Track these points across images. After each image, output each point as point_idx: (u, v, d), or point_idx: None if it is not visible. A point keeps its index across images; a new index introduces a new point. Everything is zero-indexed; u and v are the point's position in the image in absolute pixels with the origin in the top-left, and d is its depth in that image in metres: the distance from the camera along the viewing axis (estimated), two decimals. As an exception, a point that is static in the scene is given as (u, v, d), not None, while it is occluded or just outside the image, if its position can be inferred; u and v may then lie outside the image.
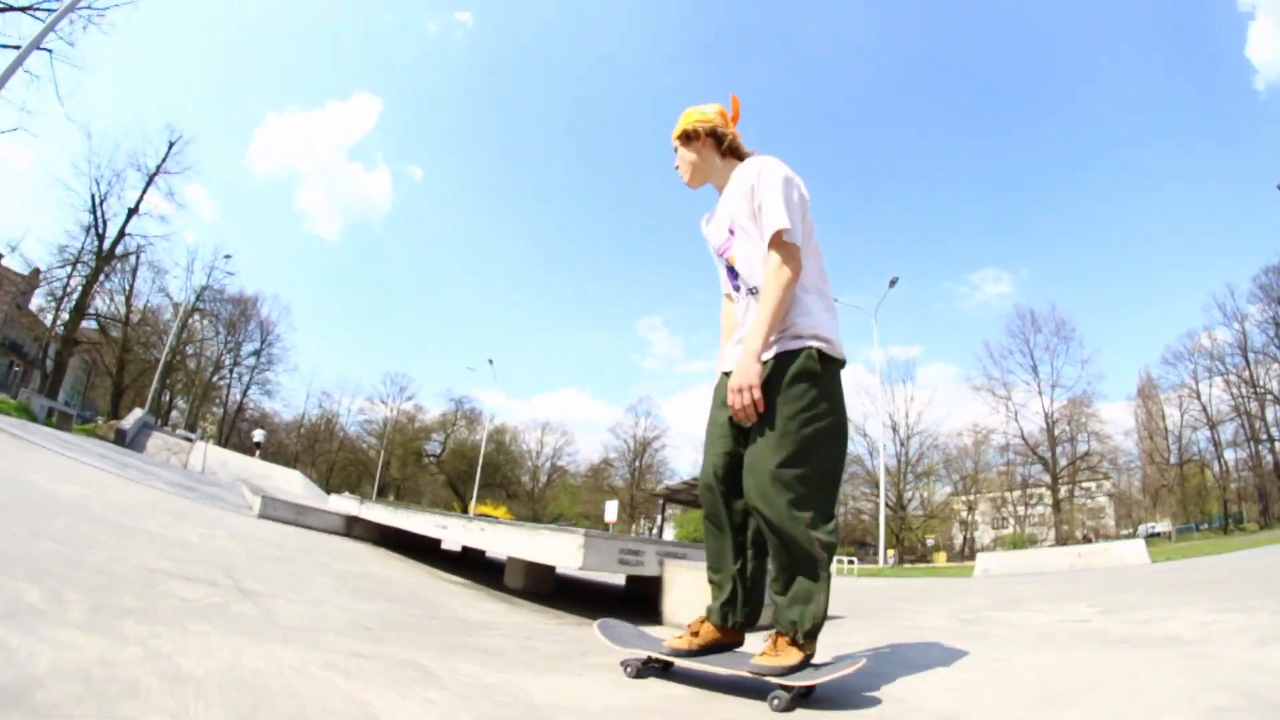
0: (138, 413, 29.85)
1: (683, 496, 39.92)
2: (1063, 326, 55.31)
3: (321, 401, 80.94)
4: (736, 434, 2.57)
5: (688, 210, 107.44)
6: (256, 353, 73.07)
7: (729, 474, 2.58)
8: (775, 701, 2.20)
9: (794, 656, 2.31)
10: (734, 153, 2.84)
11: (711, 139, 2.82)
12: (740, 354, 2.47)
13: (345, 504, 11.96)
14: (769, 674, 2.27)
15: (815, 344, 2.45)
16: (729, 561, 2.62)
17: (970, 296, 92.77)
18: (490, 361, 58.02)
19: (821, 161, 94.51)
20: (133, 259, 47.85)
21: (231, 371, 72.22)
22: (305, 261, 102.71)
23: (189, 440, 29.52)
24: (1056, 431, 53.31)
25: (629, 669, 2.65)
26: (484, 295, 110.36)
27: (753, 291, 2.64)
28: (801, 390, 2.40)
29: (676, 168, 2.92)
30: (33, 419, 17.19)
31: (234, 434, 67.87)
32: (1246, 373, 48.39)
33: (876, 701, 2.35)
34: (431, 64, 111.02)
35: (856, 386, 52.73)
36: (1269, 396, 47.23)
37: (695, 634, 2.63)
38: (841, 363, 2.56)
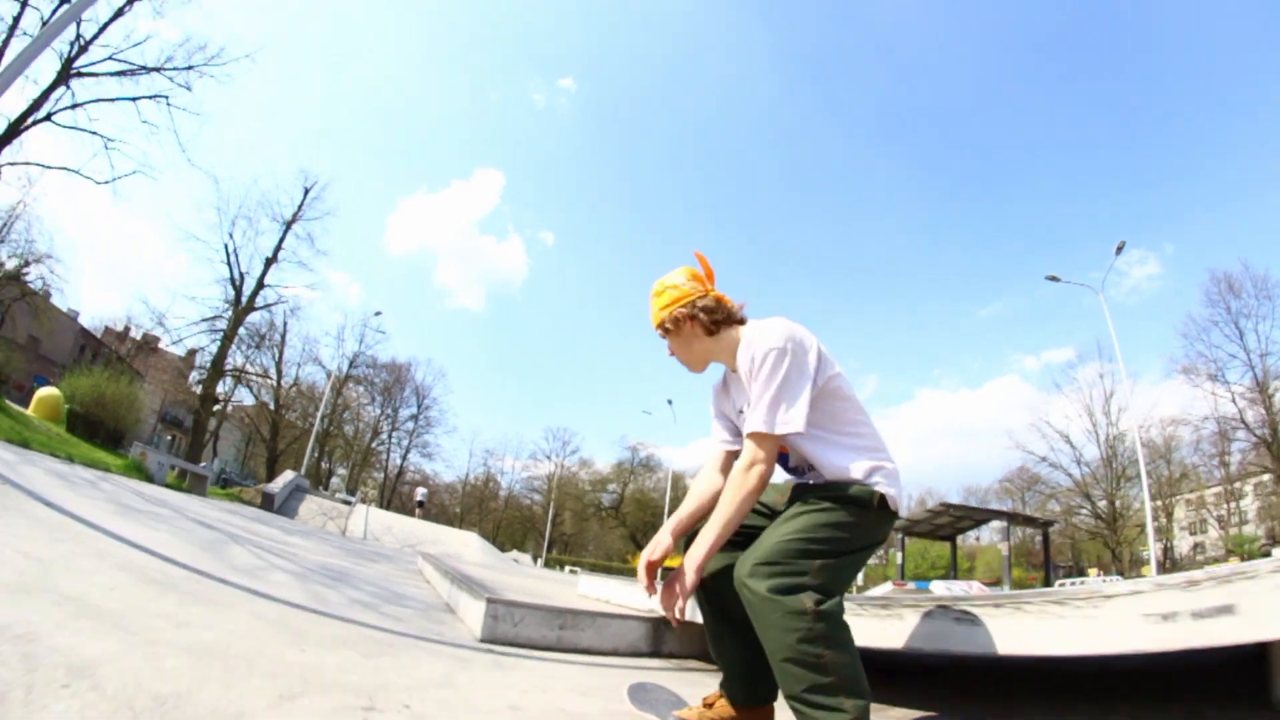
0: (289, 474, 25.48)
1: (921, 529, 37.10)
2: (1263, 285, 44.26)
3: (485, 460, 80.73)
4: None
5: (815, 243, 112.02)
6: (414, 416, 73.09)
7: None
8: None
9: None
10: (728, 323, 2.43)
11: (694, 322, 2.42)
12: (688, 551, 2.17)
13: (630, 593, 6.35)
14: None
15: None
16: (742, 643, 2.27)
17: (1118, 283, 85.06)
18: (670, 402, 53.11)
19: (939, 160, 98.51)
20: (278, 317, 46.37)
21: (390, 436, 72.34)
22: (454, 332, 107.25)
23: (348, 503, 24.64)
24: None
25: None
26: (627, 345, 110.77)
27: (793, 471, 2.47)
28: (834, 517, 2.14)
29: (671, 355, 2.54)
30: (145, 478, 12.26)
31: (395, 498, 67.71)
32: None
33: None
34: (544, 132, 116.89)
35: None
36: None
37: (709, 706, 2.41)
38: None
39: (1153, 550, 28.97)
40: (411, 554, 14.98)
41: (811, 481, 2.35)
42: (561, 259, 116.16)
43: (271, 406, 49.83)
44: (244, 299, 39.23)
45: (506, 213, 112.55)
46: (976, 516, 36.14)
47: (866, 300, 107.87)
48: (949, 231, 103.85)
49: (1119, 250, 29.89)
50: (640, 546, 63.38)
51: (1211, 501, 51.28)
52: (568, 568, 59.33)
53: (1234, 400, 44.36)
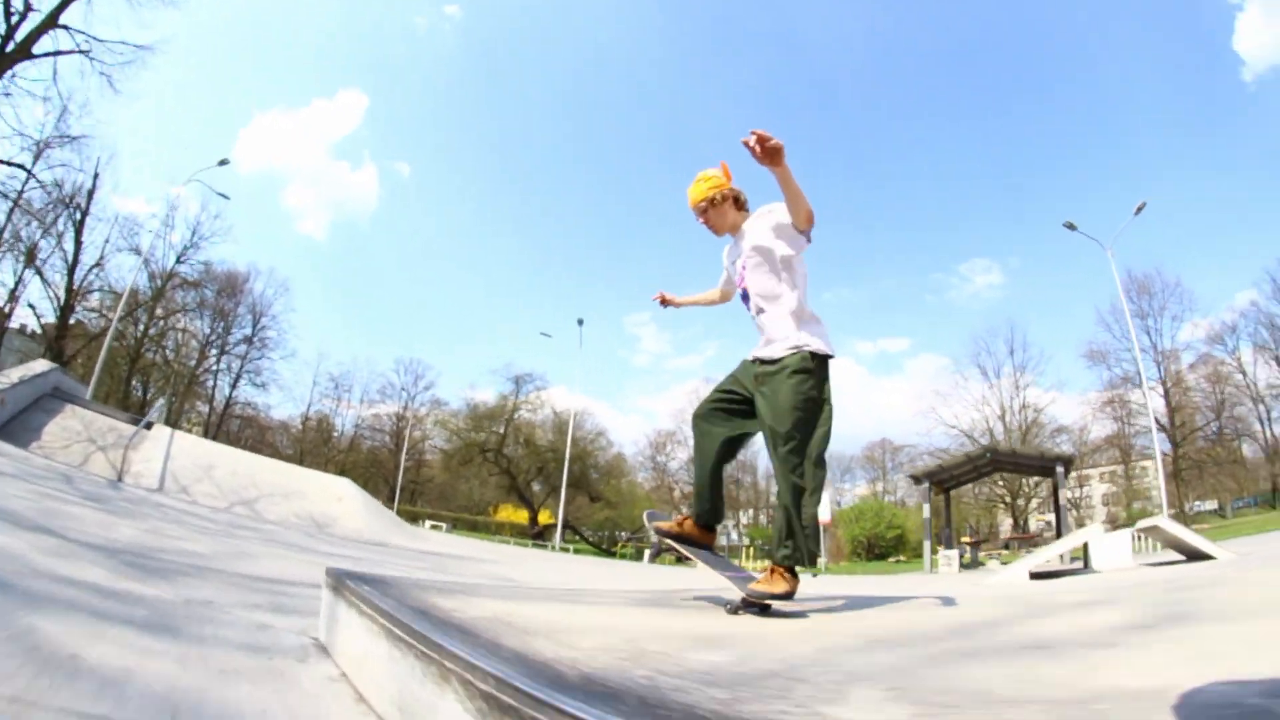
0: (37, 366, 15.35)
1: (958, 473, 31.71)
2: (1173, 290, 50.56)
3: (332, 390, 69.57)
4: (737, 399, 3.56)
5: (675, 204, 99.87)
6: (249, 338, 62.14)
7: (719, 414, 3.60)
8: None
9: (781, 586, 3.07)
10: (743, 205, 3.71)
11: (730, 200, 3.65)
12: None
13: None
14: (762, 598, 3.06)
15: (808, 348, 3.30)
16: (708, 481, 3.63)
17: (961, 288, 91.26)
18: (580, 322, 44.48)
19: (814, 147, 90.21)
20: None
21: (219, 360, 61.11)
22: (297, 260, 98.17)
23: (139, 425, 14.82)
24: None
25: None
26: (473, 289, 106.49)
27: (760, 311, 3.53)
28: (799, 380, 3.23)
29: (704, 223, 3.72)
30: None
31: (221, 436, 56.14)
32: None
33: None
34: (420, 58, 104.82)
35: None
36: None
37: (680, 525, 3.76)
38: (829, 357, 3.39)
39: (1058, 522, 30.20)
40: (253, 529, 8.90)
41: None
42: (417, 194, 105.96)
43: (62, 291, 38.56)
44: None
45: (365, 138, 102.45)
46: (1030, 461, 30.01)
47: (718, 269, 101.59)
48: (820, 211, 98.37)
49: (1138, 210, 30.13)
50: (525, 500, 56.78)
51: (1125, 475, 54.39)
52: (428, 523, 51.05)
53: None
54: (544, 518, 62.32)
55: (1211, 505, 47.98)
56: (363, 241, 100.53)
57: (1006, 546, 36.64)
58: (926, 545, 27.46)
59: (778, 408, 3.20)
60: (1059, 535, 25.01)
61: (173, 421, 50.34)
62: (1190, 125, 76.78)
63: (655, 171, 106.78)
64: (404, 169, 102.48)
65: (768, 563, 3.22)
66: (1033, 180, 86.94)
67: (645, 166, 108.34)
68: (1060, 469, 28.24)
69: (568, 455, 45.67)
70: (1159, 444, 31.02)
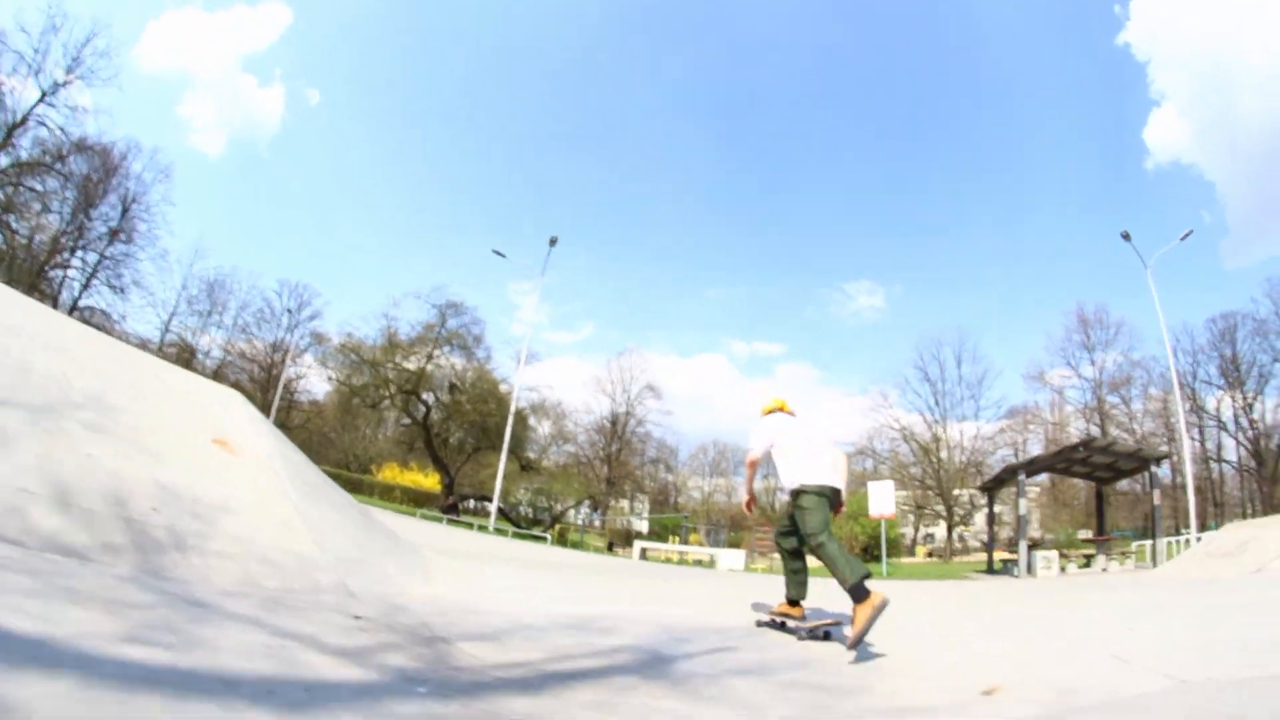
0: None
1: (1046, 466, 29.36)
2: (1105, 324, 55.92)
3: (199, 303, 56.85)
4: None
5: (578, 176, 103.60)
6: (115, 232, 49.62)
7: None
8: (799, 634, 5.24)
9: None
10: (782, 409, 6.08)
11: (775, 411, 6.04)
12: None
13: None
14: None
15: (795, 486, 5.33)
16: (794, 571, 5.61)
17: (844, 305, 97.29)
18: (553, 242, 35.17)
19: (730, 141, 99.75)
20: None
21: (72, 254, 48.96)
22: (189, 178, 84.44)
23: None
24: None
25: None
26: (375, 233, 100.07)
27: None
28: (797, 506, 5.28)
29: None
30: None
31: None
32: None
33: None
34: None
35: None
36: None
37: (780, 607, 5.60)
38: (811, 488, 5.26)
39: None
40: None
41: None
42: (321, 123, 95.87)
43: None
44: None
45: (280, 55, 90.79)
46: (1125, 457, 26.73)
47: (610, 245, 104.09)
48: (713, 204, 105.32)
49: (1184, 237, 33.77)
50: (437, 458, 45.28)
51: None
52: None
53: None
54: (430, 483, 52.84)
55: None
56: (259, 166, 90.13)
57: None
58: (1023, 546, 24.26)
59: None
60: (1153, 535, 24.89)
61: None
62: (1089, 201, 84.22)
63: (560, 148, 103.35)
64: (314, 95, 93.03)
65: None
66: (929, 218, 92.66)
67: (558, 107, 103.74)
68: (1155, 467, 27.07)
69: (514, 405, 35.95)
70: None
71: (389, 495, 52.43)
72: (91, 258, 49.13)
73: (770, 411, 6.04)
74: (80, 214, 47.87)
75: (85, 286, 48.97)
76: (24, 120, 41.39)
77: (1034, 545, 27.52)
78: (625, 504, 64.95)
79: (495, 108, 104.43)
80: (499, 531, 28.08)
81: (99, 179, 48.27)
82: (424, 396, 42.35)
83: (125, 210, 49.62)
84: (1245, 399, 51.46)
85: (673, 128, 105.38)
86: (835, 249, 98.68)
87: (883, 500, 26.19)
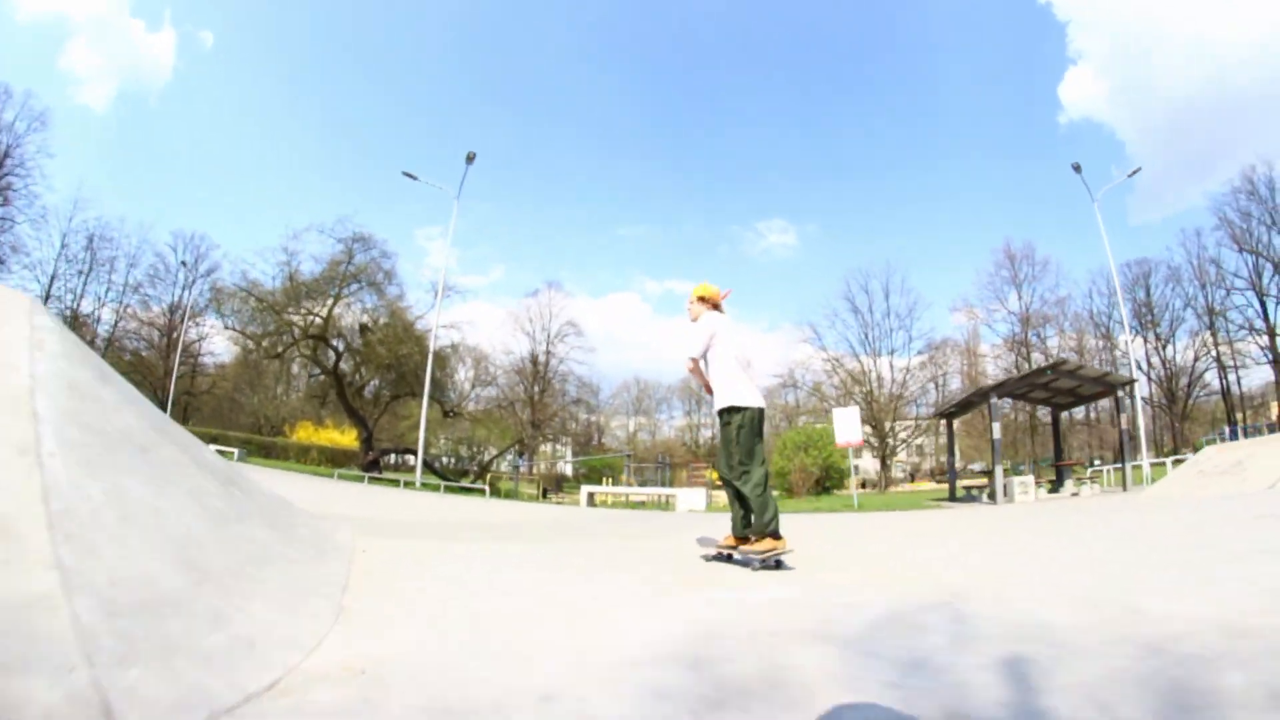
0: None
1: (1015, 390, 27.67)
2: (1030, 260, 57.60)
3: (79, 261, 52.11)
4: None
5: (493, 117, 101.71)
6: None
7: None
8: (754, 565, 4.92)
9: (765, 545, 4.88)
10: (714, 306, 5.75)
11: (706, 304, 5.74)
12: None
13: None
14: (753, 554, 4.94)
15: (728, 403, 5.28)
16: (736, 503, 5.37)
17: (755, 243, 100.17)
18: (471, 158, 32.11)
19: (652, 75, 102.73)
20: None
21: None
22: (72, 137, 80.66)
23: None
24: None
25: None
26: (277, 181, 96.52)
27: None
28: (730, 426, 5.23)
29: (689, 307, 5.87)
30: None
31: None
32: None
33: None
34: None
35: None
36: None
37: (726, 539, 5.48)
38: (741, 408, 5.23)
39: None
40: None
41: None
42: (215, 69, 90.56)
43: None
44: None
45: None
46: (1091, 381, 25.84)
47: (518, 189, 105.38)
48: (624, 145, 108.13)
49: (1132, 174, 37.93)
50: (353, 411, 40.56)
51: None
52: (211, 447, 36.71)
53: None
54: (348, 440, 48.85)
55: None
56: (149, 118, 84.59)
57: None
58: (998, 471, 23.55)
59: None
60: (1121, 461, 25.06)
61: None
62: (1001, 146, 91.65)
63: (467, 82, 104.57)
64: (208, 38, 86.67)
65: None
66: (847, 158, 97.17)
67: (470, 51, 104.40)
68: (1121, 392, 26.98)
69: (433, 344, 32.82)
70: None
71: (305, 457, 49.03)
72: None
73: (705, 301, 5.75)
74: None
75: None
76: None
77: (1064, 465, 26.93)
78: (549, 448, 62.98)
79: (398, 47, 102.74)
80: (429, 487, 25.43)
81: None
82: (333, 343, 38.21)
83: None
84: (1159, 340, 55.01)
85: (580, 68, 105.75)
86: (748, 188, 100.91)
87: (849, 428, 24.30)
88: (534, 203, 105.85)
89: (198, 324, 54.33)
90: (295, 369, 50.57)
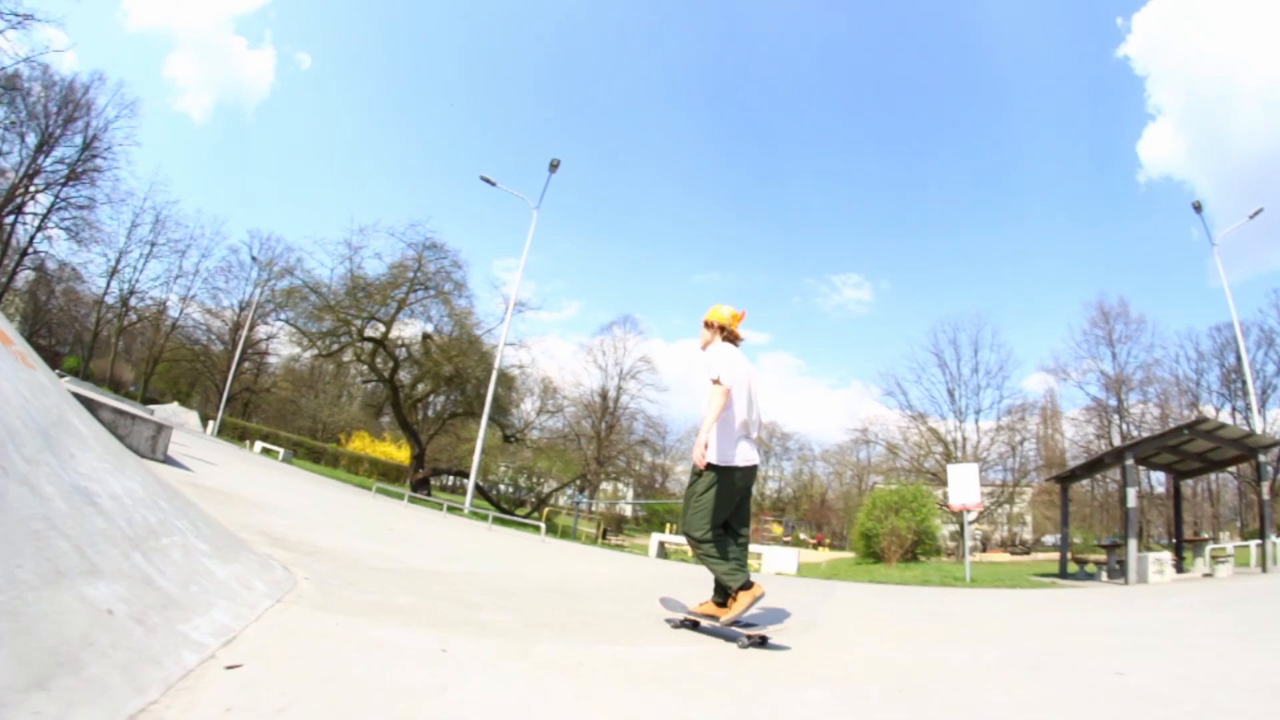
0: None
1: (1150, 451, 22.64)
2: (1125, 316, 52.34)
3: (151, 241, 52.64)
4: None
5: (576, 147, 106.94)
6: (73, 166, 45.69)
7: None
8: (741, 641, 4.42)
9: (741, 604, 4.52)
10: (731, 340, 5.22)
11: (721, 331, 5.20)
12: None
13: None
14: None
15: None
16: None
17: (829, 297, 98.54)
18: (554, 166, 29.40)
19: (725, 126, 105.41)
20: None
21: (26, 190, 44.58)
22: (169, 141, 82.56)
23: None
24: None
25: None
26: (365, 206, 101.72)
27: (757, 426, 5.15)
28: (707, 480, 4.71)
29: (702, 331, 5.30)
30: None
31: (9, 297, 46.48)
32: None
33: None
34: None
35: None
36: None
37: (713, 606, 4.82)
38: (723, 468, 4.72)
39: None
40: None
41: None
42: (311, 89, 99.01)
43: None
44: None
45: (271, 17, 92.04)
46: (1229, 444, 21.92)
47: (600, 224, 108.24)
48: (702, 190, 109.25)
49: (1254, 215, 33.36)
50: (407, 425, 36.93)
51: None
52: (258, 444, 38.27)
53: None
54: (403, 456, 47.56)
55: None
56: (244, 131, 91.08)
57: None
58: (1132, 546, 19.26)
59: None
60: (1261, 536, 21.22)
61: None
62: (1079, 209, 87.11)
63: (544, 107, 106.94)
64: (305, 59, 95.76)
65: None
66: (919, 215, 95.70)
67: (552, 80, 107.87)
68: (1262, 456, 22.56)
69: (499, 360, 29.64)
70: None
71: (356, 467, 47.88)
72: (47, 199, 45.62)
73: (712, 328, 5.22)
74: (40, 153, 44.40)
75: (38, 229, 45.74)
76: None
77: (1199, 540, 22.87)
78: (609, 487, 60.01)
79: (486, 85, 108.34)
80: (478, 515, 22.50)
81: (61, 114, 44.87)
82: (394, 350, 35.54)
83: (86, 147, 46.09)
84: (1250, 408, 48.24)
85: (663, 112, 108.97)
86: (824, 241, 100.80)
87: (966, 488, 20.42)
88: (611, 243, 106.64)
89: (266, 322, 54.02)
90: (351, 376, 48.34)
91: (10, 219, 44.37)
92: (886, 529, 29.26)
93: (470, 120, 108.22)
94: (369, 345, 34.96)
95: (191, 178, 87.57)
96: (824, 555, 30.55)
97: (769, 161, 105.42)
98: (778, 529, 56.99)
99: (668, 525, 42.39)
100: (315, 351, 37.17)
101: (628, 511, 56.44)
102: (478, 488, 29.57)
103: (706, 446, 4.65)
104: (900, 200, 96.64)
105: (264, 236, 54.16)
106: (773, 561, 22.50)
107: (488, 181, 30.19)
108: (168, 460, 10.19)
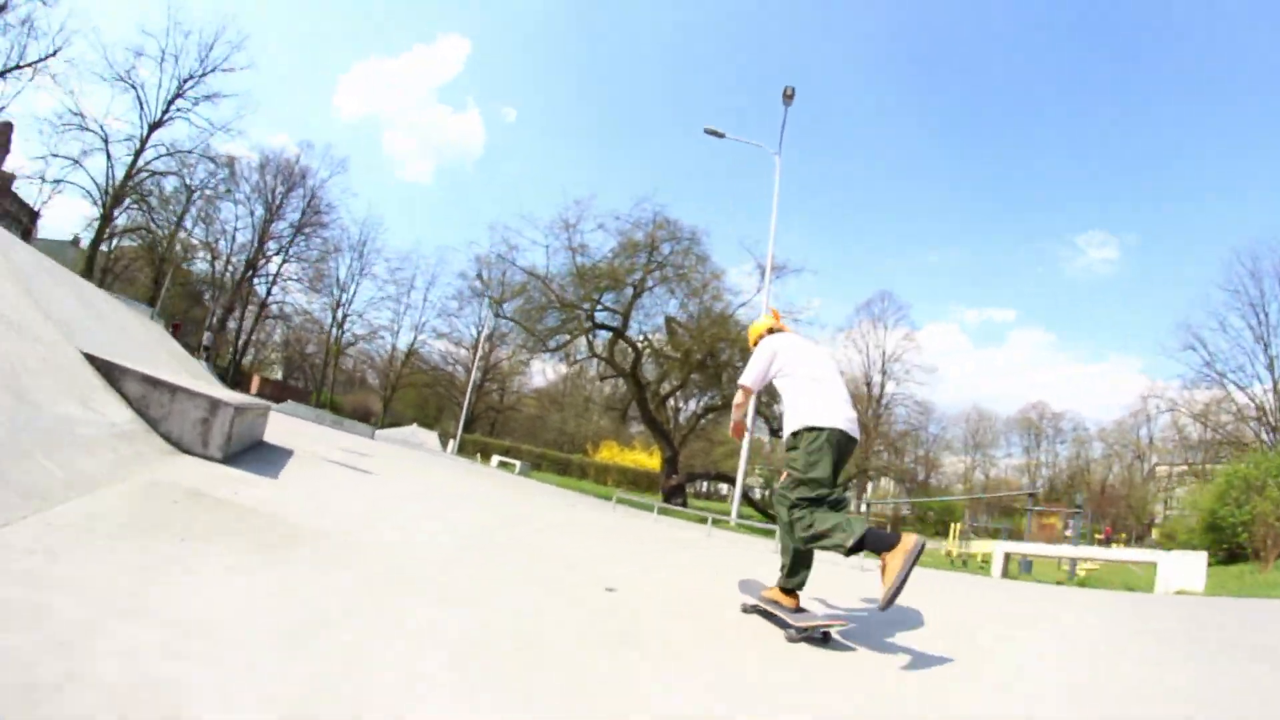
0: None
1: None
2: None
3: (380, 274, 59.05)
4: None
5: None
6: (299, 227, 53.26)
7: None
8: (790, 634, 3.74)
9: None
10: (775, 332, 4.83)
11: (767, 333, 4.81)
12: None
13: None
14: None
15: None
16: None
17: (1073, 260, 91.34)
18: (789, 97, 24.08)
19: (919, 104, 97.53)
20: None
21: (258, 249, 52.53)
22: (403, 205, 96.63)
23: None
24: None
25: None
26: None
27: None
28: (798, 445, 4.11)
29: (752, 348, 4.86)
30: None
31: (252, 351, 56.29)
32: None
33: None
34: (523, 3, 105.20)
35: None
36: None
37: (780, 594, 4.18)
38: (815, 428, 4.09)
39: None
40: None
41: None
42: (522, 138, 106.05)
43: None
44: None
45: (468, 84, 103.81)
46: None
47: (833, 219, 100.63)
48: (923, 165, 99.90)
49: None
50: (655, 425, 31.98)
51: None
52: (495, 458, 36.93)
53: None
54: (654, 463, 43.78)
55: None
56: (466, 185, 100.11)
57: None
58: None
59: None
60: None
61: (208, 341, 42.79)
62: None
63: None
64: (510, 113, 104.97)
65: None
66: (1160, 152, 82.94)
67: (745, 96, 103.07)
68: None
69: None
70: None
71: (604, 477, 46.35)
72: (279, 259, 53.64)
73: (770, 330, 4.90)
74: (270, 222, 52.13)
75: (272, 284, 53.86)
76: (156, 125, 43.53)
77: None
78: (874, 485, 56.25)
79: (690, 93, 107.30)
80: (747, 528, 17.46)
81: (284, 190, 52.42)
82: (635, 342, 30.91)
83: (308, 202, 53.53)
84: None
85: (866, 90, 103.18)
86: (1060, 197, 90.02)
87: None
88: (840, 233, 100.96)
89: (505, 343, 53.42)
90: (590, 374, 45.16)
91: (254, 281, 52.60)
92: (1248, 515, 20.76)
93: (670, 118, 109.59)
94: (605, 335, 30.75)
95: (423, 229, 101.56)
96: (1125, 553, 22.11)
97: (978, 126, 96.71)
98: (1053, 521, 42.62)
99: (956, 525, 35.60)
100: (545, 351, 33.14)
101: (904, 511, 51.81)
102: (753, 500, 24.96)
103: (739, 435, 5.32)
104: (1135, 137, 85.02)
105: (493, 260, 52.90)
106: (1168, 573, 15.55)
107: (714, 133, 25.08)
108: (231, 460, 5.77)
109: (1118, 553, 19.77)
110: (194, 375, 9.99)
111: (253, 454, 6.68)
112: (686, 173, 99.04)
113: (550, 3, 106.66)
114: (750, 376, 4.49)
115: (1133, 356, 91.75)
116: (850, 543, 3.50)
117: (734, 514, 20.09)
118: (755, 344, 4.79)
